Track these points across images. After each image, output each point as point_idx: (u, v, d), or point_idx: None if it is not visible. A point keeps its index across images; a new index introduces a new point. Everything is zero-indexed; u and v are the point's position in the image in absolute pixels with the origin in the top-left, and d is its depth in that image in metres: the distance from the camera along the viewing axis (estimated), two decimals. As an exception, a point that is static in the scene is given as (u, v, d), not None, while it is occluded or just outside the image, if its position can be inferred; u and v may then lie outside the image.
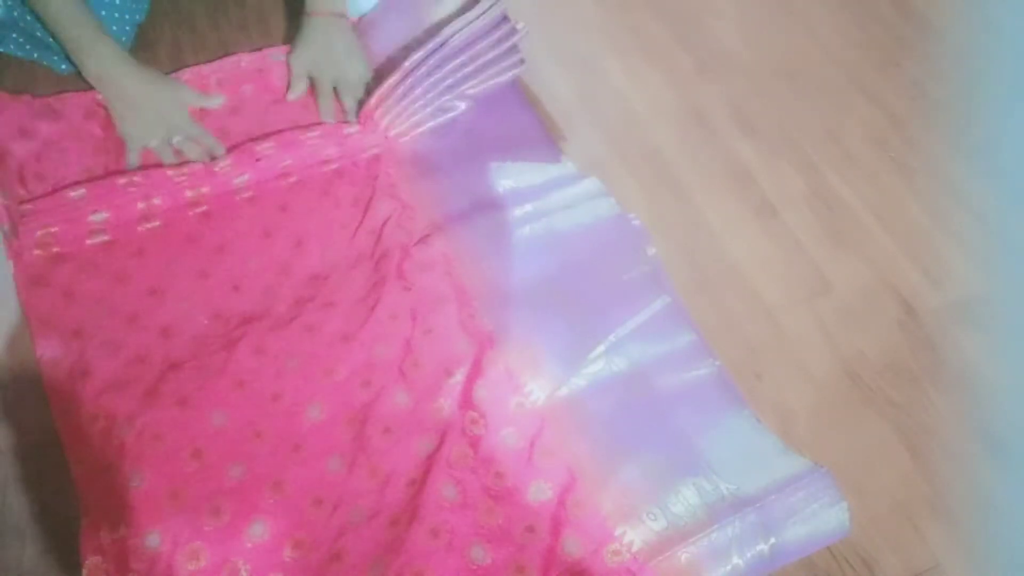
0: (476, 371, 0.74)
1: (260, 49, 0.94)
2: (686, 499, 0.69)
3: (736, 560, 0.66)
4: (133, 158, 0.83)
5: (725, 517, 0.68)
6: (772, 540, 0.67)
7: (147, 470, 0.65)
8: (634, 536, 0.67)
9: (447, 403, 0.73)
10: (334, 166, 0.86)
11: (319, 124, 0.88)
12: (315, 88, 0.91)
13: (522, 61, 0.94)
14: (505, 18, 0.93)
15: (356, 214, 0.83)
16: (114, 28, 0.89)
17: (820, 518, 0.68)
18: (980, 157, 0.97)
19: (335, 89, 0.91)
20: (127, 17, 0.91)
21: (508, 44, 0.92)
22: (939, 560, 0.69)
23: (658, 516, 0.68)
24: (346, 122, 0.89)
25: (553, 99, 0.96)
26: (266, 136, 0.86)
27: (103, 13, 0.88)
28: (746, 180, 0.93)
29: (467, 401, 0.73)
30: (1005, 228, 0.91)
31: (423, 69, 0.88)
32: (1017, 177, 0.96)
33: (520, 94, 0.95)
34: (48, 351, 0.72)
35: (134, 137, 0.83)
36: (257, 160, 0.83)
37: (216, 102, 0.88)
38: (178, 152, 0.84)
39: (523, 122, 0.93)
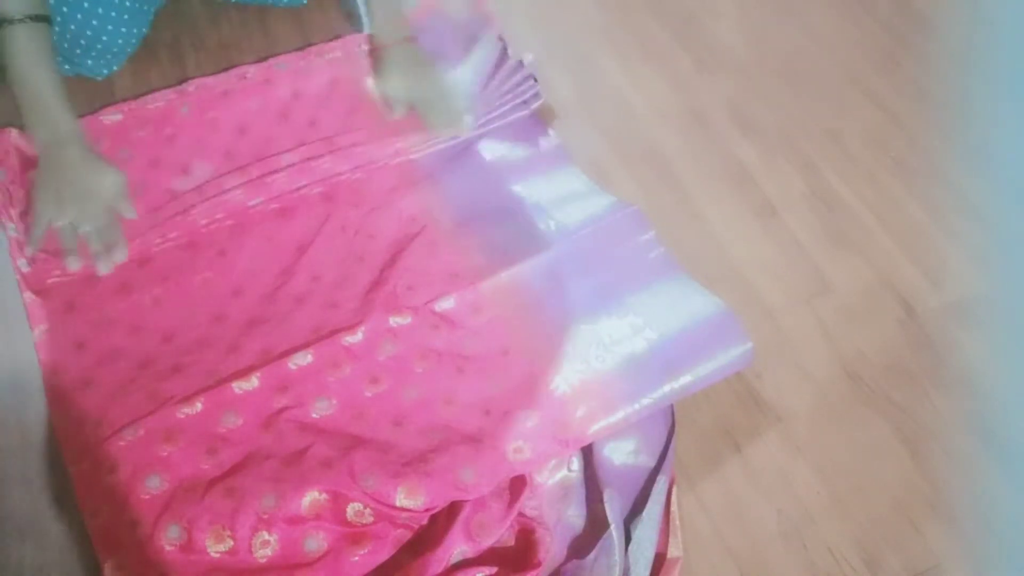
0: (488, 367, 0.75)
1: (265, 59, 0.94)
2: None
3: None
4: (37, 232, 0.78)
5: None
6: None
7: (164, 472, 0.66)
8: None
9: (458, 398, 0.73)
10: (344, 177, 0.87)
11: (324, 140, 0.89)
12: (418, 111, 0.91)
13: (538, 96, 0.94)
14: (519, 66, 0.94)
15: (358, 217, 0.84)
16: (119, 42, 0.89)
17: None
18: (980, 157, 0.97)
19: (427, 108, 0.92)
20: (135, 31, 0.91)
21: (523, 87, 0.94)
22: (939, 560, 0.69)
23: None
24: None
25: (553, 99, 0.96)
26: (276, 158, 0.87)
27: (110, 27, 0.87)
28: (746, 180, 0.93)
29: (480, 396, 0.73)
30: (1005, 228, 0.91)
31: None
32: (1017, 177, 0.96)
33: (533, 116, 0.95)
34: (50, 362, 0.73)
35: (44, 213, 0.78)
36: (269, 185, 0.85)
37: (131, 215, 0.81)
38: (80, 239, 0.78)
39: (532, 134, 0.93)
